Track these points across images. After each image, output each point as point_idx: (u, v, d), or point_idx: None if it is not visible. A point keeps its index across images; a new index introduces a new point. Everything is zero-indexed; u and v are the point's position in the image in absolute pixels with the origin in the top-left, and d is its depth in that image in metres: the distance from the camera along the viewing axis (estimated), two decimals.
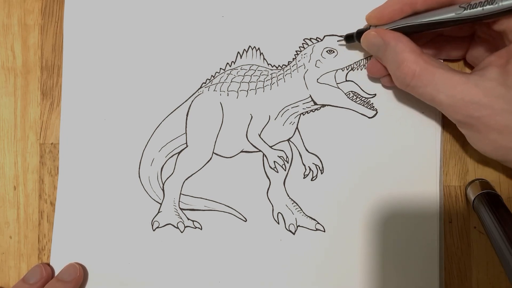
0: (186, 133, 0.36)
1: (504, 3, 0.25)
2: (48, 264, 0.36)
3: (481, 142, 0.29)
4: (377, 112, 0.35)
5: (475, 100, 0.27)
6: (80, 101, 0.37)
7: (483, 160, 0.34)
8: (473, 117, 0.28)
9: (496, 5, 0.26)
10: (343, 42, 0.34)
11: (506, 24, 0.27)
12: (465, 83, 0.28)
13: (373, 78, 0.35)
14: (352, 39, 0.33)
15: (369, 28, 0.32)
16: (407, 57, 0.29)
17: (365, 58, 0.35)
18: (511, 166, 0.30)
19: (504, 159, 0.29)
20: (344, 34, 0.34)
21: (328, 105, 0.35)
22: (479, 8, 0.26)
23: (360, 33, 0.32)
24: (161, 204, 0.36)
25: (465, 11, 0.27)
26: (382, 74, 0.33)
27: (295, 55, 0.36)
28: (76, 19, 0.37)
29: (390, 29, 0.30)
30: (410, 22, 0.29)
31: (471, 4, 0.27)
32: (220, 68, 0.36)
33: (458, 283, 0.34)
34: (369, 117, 0.35)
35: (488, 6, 0.26)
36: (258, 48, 0.36)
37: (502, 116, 0.27)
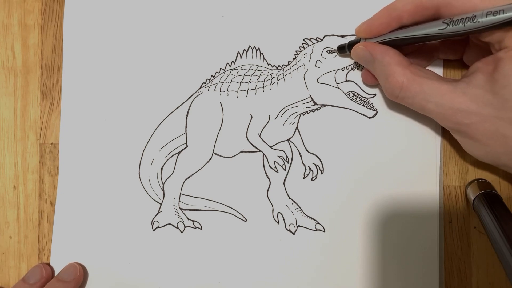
0: (186, 133, 0.36)
1: (484, 19, 0.26)
2: (48, 264, 0.36)
3: (473, 147, 0.30)
4: (377, 112, 0.35)
5: (463, 108, 0.28)
6: (80, 101, 0.37)
7: None
8: (463, 124, 0.28)
9: (477, 22, 0.26)
10: (335, 53, 0.35)
11: (489, 37, 0.28)
12: (453, 92, 0.28)
13: None
14: (344, 50, 0.34)
15: (359, 40, 0.33)
16: (394, 69, 0.30)
17: None
18: (505, 169, 0.30)
19: (496, 163, 0.30)
20: (344, 34, 0.35)
21: (328, 105, 0.35)
22: (461, 25, 0.27)
23: (351, 44, 0.33)
24: (161, 204, 0.36)
25: (448, 27, 0.28)
26: (376, 83, 0.34)
27: (295, 55, 0.36)
28: (76, 19, 0.37)
29: (378, 42, 0.31)
30: (397, 36, 0.30)
31: (453, 21, 0.28)
32: (220, 68, 0.36)
33: (458, 283, 0.34)
34: (369, 117, 0.35)
35: (469, 23, 0.27)
36: (258, 48, 0.36)
37: (490, 122, 0.27)
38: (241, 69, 0.36)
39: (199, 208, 0.36)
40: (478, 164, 0.35)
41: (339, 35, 0.35)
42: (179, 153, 0.36)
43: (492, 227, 0.29)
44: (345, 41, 0.34)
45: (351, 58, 0.34)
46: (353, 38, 0.34)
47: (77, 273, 0.35)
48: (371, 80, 0.34)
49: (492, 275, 0.34)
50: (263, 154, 0.36)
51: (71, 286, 0.34)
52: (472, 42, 0.31)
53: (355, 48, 0.32)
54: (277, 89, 0.36)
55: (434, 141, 0.34)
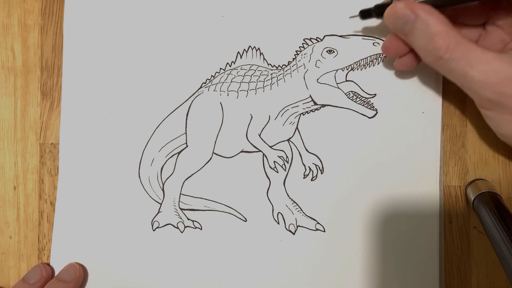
0: (186, 133, 0.36)
1: None
2: (48, 264, 0.36)
3: (507, 124, 0.28)
4: (377, 112, 0.35)
5: (509, 77, 0.26)
6: (80, 101, 0.37)
7: (483, 160, 0.34)
8: (504, 95, 0.27)
9: None
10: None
11: None
12: (500, 60, 0.27)
13: (373, 78, 0.35)
14: (369, 15, 0.31)
15: (390, 3, 0.29)
16: (441, 29, 0.27)
17: (365, 58, 0.35)
18: None
19: None
20: (344, 34, 0.35)
21: (328, 105, 0.35)
22: None
23: (378, 7, 0.30)
24: (161, 204, 0.36)
25: None
26: (399, 53, 0.31)
27: (295, 55, 0.36)
28: (76, 19, 0.37)
29: (417, 2, 0.29)
30: None
31: None
32: (220, 68, 0.36)
33: (458, 283, 0.34)
34: (369, 117, 0.35)
35: None
36: (258, 48, 0.36)
37: None
38: (241, 69, 0.36)
39: (199, 208, 0.36)
40: (478, 164, 0.35)
41: (339, 35, 0.35)
42: (179, 153, 0.36)
43: (492, 227, 0.29)
44: (345, 40, 0.34)
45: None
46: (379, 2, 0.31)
47: (77, 273, 0.35)
48: (396, 49, 0.31)
49: (492, 275, 0.34)
50: (263, 154, 0.36)
51: (71, 286, 0.34)
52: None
53: (393, 6, 0.29)
54: (277, 89, 0.36)
55: (434, 141, 0.34)
